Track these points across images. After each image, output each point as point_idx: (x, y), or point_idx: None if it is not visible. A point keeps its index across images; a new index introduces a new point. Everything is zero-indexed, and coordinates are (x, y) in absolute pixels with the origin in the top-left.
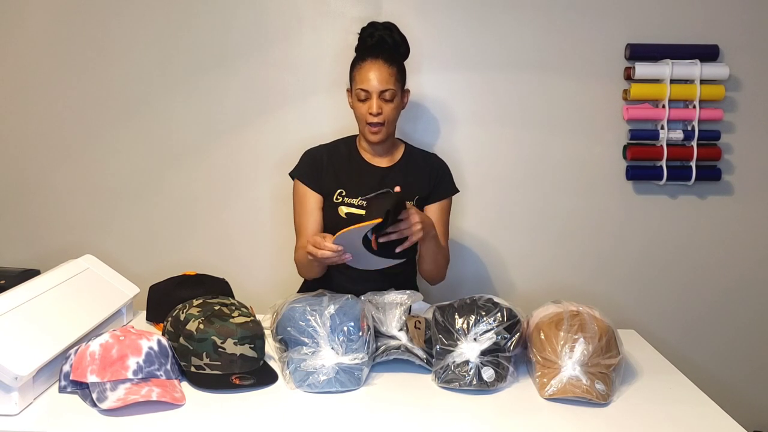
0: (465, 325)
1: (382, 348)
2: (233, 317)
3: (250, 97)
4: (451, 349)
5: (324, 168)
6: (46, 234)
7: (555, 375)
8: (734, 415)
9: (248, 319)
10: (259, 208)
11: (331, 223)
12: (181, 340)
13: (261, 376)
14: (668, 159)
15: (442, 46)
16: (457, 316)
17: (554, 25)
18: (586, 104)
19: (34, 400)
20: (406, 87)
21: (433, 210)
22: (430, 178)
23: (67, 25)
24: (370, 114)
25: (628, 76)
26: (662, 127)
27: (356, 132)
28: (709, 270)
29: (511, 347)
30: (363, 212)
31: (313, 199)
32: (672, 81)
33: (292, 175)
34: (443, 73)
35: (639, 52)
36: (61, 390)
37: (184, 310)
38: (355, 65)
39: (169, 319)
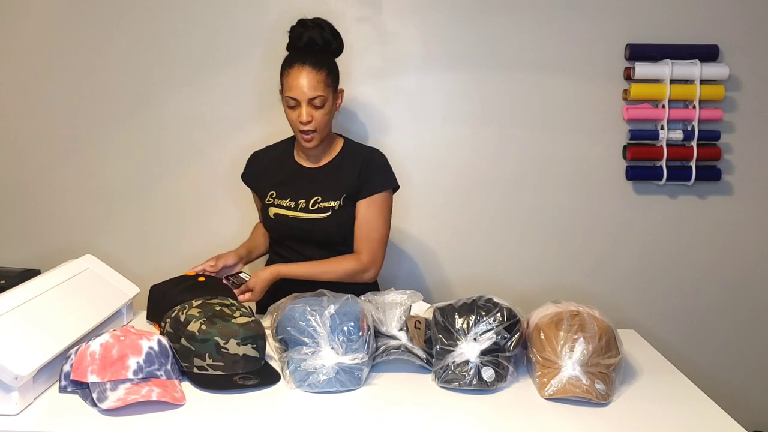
0: (465, 325)
1: (382, 348)
2: (235, 317)
3: (250, 97)
4: (451, 349)
5: (260, 170)
6: (46, 234)
7: (555, 375)
8: (734, 415)
9: (250, 320)
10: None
11: (266, 223)
12: (183, 341)
13: (264, 376)
14: (668, 159)
15: (442, 46)
16: (457, 316)
17: (554, 25)
18: (586, 104)
19: (34, 400)
20: (339, 87)
21: (358, 207)
22: (359, 175)
23: (66, 26)
24: (300, 122)
25: (628, 76)
26: (662, 127)
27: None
28: (709, 270)
29: (511, 347)
30: (289, 213)
31: (256, 200)
32: (672, 81)
33: (242, 177)
34: (443, 73)
35: (639, 52)
36: (62, 390)
37: (184, 311)
38: (283, 70)
39: (168, 320)
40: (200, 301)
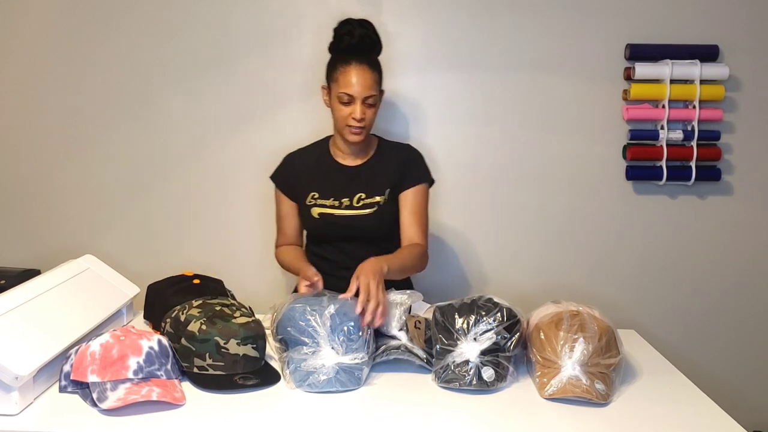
0: (465, 325)
1: (382, 348)
2: (235, 317)
3: (250, 97)
4: (451, 348)
5: (296, 173)
6: (46, 234)
7: (555, 375)
8: (734, 415)
9: (250, 320)
10: (259, 208)
11: (308, 225)
12: (183, 341)
13: (264, 376)
14: (668, 159)
15: (442, 46)
16: (457, 316)
17: (554, 25)
18: (586, 104)
19: (34, 399)
20: (381, 87)
21: (404, 197)
22: (398, 168)
23: (66, 25)
24: (353, 118)
25: (628, 76)
26: (662, 128)
27: None
28: (709, 270)
29: (511, 347)
30: (334, 212)
31: (287, 204)
32: (672, 81)
33: (272, 177)
34: (443, 73)
35: (639, 53)
36: (62, 390)
37: (184, 311)
38: (337, 66)
39: (168, 320)
40: (200, 301)
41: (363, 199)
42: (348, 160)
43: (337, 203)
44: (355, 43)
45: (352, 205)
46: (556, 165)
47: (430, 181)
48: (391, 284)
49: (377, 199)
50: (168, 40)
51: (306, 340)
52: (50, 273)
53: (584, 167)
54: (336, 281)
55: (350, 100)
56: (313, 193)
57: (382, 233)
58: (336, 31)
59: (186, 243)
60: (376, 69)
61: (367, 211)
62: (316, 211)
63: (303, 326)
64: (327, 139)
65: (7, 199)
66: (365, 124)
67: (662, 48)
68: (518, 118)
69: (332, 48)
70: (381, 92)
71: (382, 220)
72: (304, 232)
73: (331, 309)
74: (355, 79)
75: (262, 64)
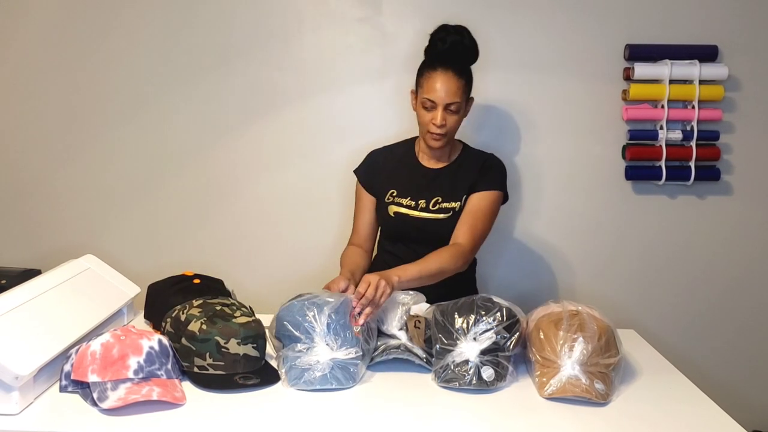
0: (465, 325)
1: (382, 347)
2: (235, 317)
3: (250, 97)
4: (451, 348)
5: (380, 169)
6: (46, 234)
7: (554, 374)
8: (734, 415)
9: (250, 319)
10: (259, 207)
11: (384, 222)
12: (183, 340)
13: (264, 375)
14: (667, 159)
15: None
16: (456, 316)
17: (554, 25)
18: (586, 104)
19: (34, 399)
20: (471, 95)
21: (471, 200)
22: (478, 172)
23: (67, 25)
24: (433, 124)
25: (628, 76)
26: (661, 128)
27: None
28: (708, 270)
29: (511, 347)
30: (410, 212)
31: (366, 200)
32: (671, 81)
33: (356, 171)
34: None
35: (638, 53)
36: (62, 389)
37: (185, 311)
38: (423, 71)
39: (168, 319)
40: (201, 301)
41: (439, 203)
42: (431, 162)
43: (413, 203)
44: (447, 49)
45: (428, 207)
46: (555, 165)
47: (504, 193)
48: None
49: (453, 204)
50: (168, 40)
51: (300, 336)
52: (51, 273)
53: (584, 167)
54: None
55: (432, 106)
56: (392, 190)
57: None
58: (431, 36)
59: (186, 243)
60: (464, 76)
61: (442, 216)
62: (392, 210)
63: (299, 321)
64: (412, 140)
65: (8, 199)
66: (446, 131)
67: (661, 48)
68: (518, 118)
69: (426, 52)
70: (469, 100)
71: (454, 225)
72: (378, 233)
73: (326, 306)
74: (438, 85)
75: (262, 64)
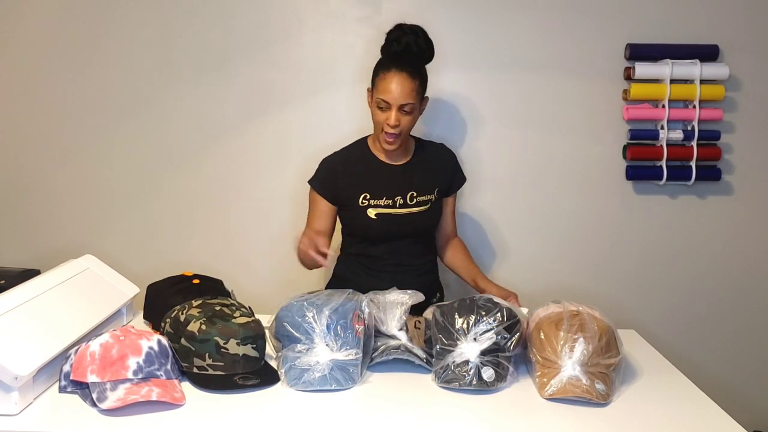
0: (465, 325)
1: (382, 347)
2: (235, 317)
3: (249, 97)
4: (451, 348)
5: (339, 176)
6: (46, 234)
7: (555, 375)
8: (734, 415)
9: (250, 320)
10: (258, 208)
11: (362, 226)
12: (183, 341)
13: (264, 376)
14: (668, 159)
15: (442, 46)
16: (457, 316)
17: (554, 25)
18: (586, 104)
19: (34, 400)
20: (426, 94)
21: (449, 200)
22: (445, 171)
23: (67, 25)
24: (387, 124)
25: (628, 76)
26: (662, 127)
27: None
28: (709, 270)
29: (511, 347)
30: (392, 211)
31: (323, 206)
32: (672, 81)
33: (310, 182)
34: (442, 73)
35: (639, 52)
36: (61, 390)
37: (184, 311)
38: (378, 71)
39: (168, 320)
40: (200, 301)
41: (416, 197)
42: (393, 159)
43: (391, 202)
44: (401, 50)
45: (406, 203)
46: (556, 165)
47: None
48: (430, 286)
49: (429, 197)
50: (168, 40)
51: (300, 336)
52: (50, 273)
53: (584, 167)
54: (380, 279)
55: (387, 107)
56: (364, 194)
57: (432, 228)
58: (387, 35)
59: (186, 243)
60: (417, 77)
61: (422, 208)
62: (373, 212)
63: (299, 321)
64: (363, 140)
65: (7, 199)
66: (399, 131)
67: (662, 48)
68: (518, 118)
69: (382, 51)
70: (424, 99)
71: (435, 216)
72: (336, 235)
73: (326, 307)
74: (392, 86)
75: (262, 64)
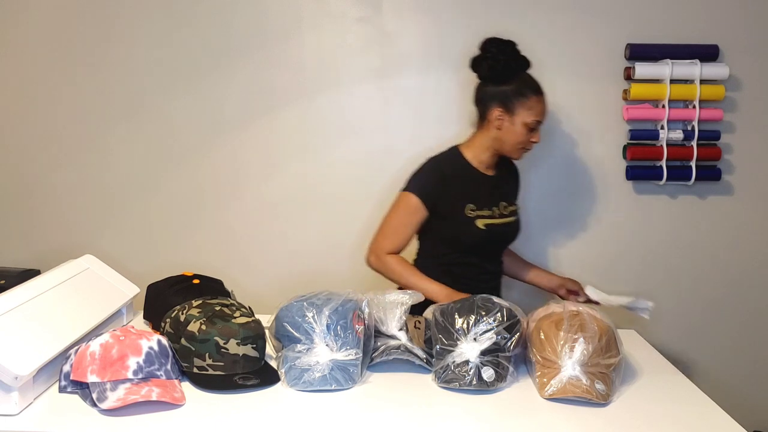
0: (465, 325)
1: (382, 348)
2: (235, 317)
3: (250, 97)
4: (451, 349)
5: (447, 185)
6: (46, 234)
7: (555, 375)
8: (734, 415)
9: (250, 319)
10: (258, 207)
11: (469, 236)
12: (183, 341)
13: (264, 376)
14: (668, 159)
15: (442, 46)
16: (456, 316)
17: (554, 24)
18: (586, 104)
19: (34, 400)
20: None
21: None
22: (517, 181)
23: (67, 25)
24: (532, 141)
25: (628, 76)
26: (662, 127)
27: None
28: (709, 270)
29: (511, 347)
30: (496, 221)
31: (420, 215)
32: (672, 81)
33: (410, 190)
34: (443, 73)
35: (639, 52)
36: (61, 390)
37: (184, 311)
38: (528, 94)
39: (168, 320)
40: (200, 301)
41: (507, 207)
42: (487, 170)
43: (489, 213)
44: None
45: (502, 213)
46: (556, 165)
47: None
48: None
49: (515, 207)
50: (168, 40)
51: (300, 336)
52: (50, 273)
53: (584, 167)
54: (477, 286)
55: (536, 126)
56: (470, 205)
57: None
58: (506, 55)
59: (186, 243)
60: None
61: (515, 218)
62: (482, 222)
63: (299, 321)
64: (455, 149)
65: (7, 199)
66: None
67: (662, 48)
68: None
69: (496, 71)
70: None
71: (521, 225)
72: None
73: (326, 307)
74: (545, 108)
75: (262, 64)
